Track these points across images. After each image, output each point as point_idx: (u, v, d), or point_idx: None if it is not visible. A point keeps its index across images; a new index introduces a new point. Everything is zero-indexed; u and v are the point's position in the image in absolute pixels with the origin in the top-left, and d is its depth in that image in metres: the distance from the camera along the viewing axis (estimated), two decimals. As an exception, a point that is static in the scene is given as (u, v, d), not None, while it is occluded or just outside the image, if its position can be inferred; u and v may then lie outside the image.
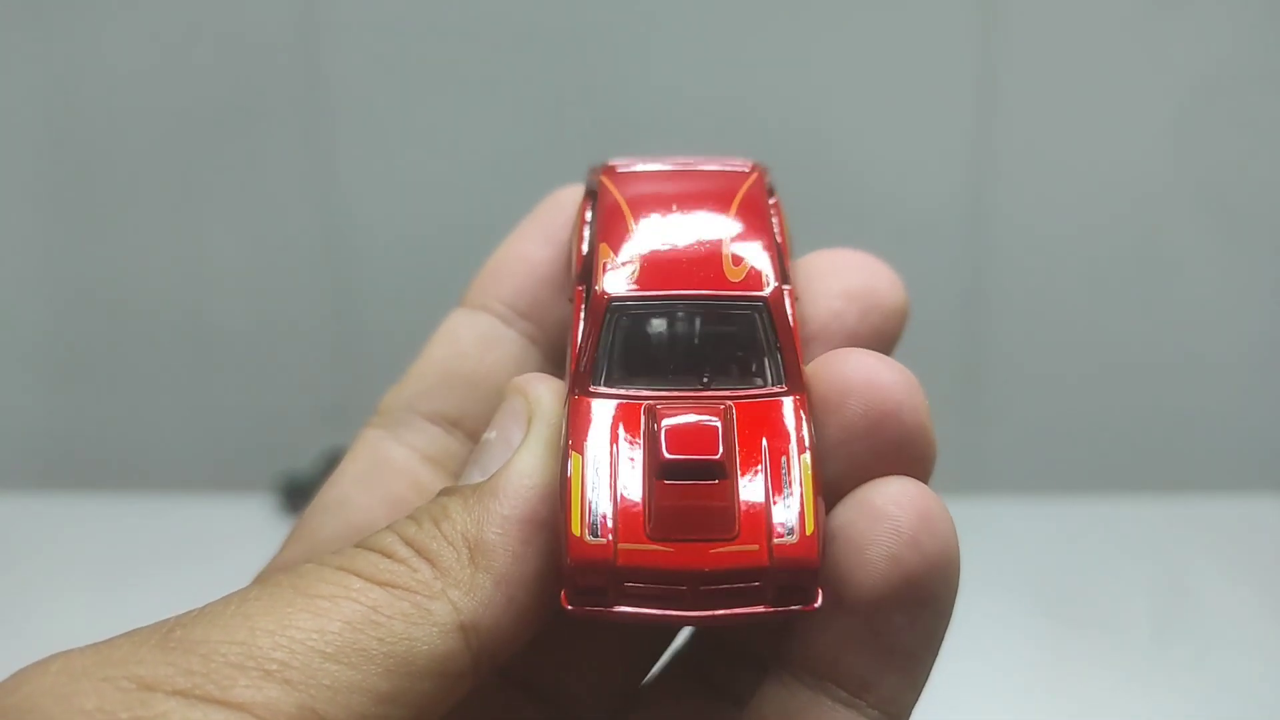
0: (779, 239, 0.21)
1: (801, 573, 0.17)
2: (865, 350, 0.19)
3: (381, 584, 0.17)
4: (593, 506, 0.17)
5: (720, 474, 0.18)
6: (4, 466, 0.69)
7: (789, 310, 0.19)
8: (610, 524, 0.17)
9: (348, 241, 0.66)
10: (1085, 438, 0.68)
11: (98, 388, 0.69)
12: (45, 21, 0.64)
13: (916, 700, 0.19)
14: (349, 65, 0.64)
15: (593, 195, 0.22)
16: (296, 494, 0.64)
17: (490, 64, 0.64)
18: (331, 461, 0.68)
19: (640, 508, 0.17)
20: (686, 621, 0.18)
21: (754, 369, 0.19)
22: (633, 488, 0.18)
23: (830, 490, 0.19)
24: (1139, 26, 0.62)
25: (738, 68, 0.64)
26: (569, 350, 0.20)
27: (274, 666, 0.15)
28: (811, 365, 0.19)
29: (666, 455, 0.18)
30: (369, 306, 0.68)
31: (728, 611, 0.17)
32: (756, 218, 0.21)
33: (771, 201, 0.22)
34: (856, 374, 0.19)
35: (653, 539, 0.17)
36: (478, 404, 0.23)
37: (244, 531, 0.64)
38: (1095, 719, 0.47)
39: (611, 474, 0.18)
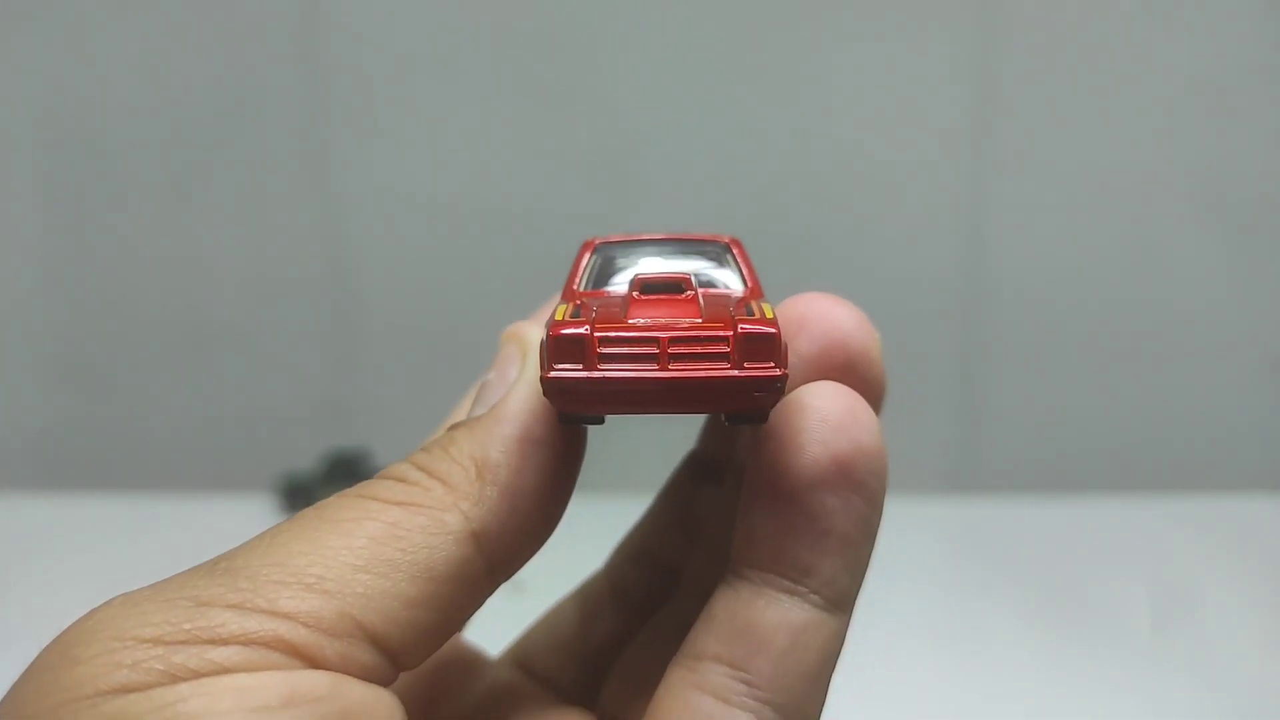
0: None
1: (762, 335, 0.18)
2: (822, 295, 0.21)
3: (398, 504, 0.19)
4: (573, 313, 0.19)
5: (688, 288, 0.20)
6: (4, 466, 0.69)
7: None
8: (590, 315, 0.19)
9: (347, 241, 0.66)
10: (1084, 437, 0.68)
11: (98, 388, 0.69)
12: (45, 23, 0.64)
13: (857, 591, 0.20)
14: (349, 65, 0.64)
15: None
16: (296, 494, 0.64)
17: (489, 63, 0.64)
18: (331, 462, 0.68)
19: (617, 309, 0.20)
20: (658, 384, 0.18)
21: None
22: (612, 305, 0.20)
23: None
24: (1137, 26, 0.62)
25: (735, 68, 0.64)
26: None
27: (312, 580, 0.17)
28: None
29: (642, 278, 0.20)
30: (369, 306, 0.68)
31: (696, 372, 0.18)
32: None
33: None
34: (811, 310, 0.21)
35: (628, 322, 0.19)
36: None
37: (244, 531, 0.63)
38: (1094, 719, 0.47)
39: (594, 305, 0.20)
